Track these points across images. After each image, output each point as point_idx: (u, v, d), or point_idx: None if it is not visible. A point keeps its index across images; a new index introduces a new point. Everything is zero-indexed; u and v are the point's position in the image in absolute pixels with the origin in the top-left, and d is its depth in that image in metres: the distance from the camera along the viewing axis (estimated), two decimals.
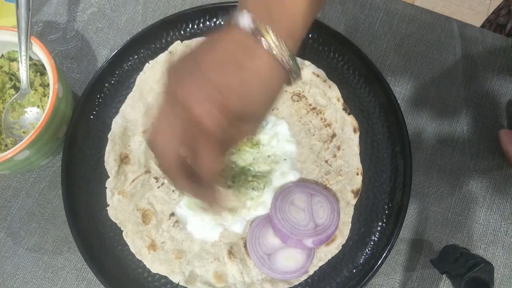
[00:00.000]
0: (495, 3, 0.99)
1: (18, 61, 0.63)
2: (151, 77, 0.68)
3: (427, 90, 0.70)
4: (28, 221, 0.66)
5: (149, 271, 0.61)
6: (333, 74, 0.68)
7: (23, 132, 0.64)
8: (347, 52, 0.67)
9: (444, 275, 0.61)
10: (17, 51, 0.63)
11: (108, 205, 0.63)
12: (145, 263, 0.61)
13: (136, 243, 0.61)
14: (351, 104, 0.67)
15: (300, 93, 0.67)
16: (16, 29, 0.61)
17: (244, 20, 0.40)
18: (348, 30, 0.74)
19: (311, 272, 0.60)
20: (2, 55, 0.67)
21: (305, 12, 0.42)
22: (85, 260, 0.59)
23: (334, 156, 0.65)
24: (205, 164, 0.42)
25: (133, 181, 0.64)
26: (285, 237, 0.59)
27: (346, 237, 0.62)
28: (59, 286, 0.64)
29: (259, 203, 0.63)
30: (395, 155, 0.63)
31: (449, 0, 2.00)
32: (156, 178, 0.65)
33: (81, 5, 0.77)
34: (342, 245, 0.61)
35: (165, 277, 0.61)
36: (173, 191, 0.64)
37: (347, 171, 0.64)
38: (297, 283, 0.60)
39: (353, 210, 0.63)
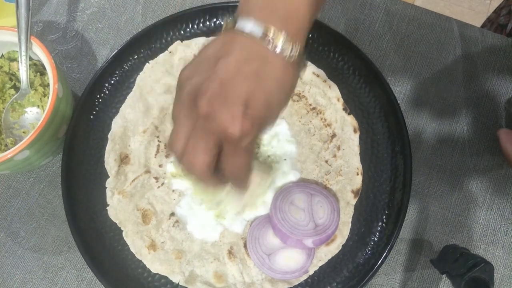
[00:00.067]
0: (495, 3, 0.99)
1: (18, 61, 0.63)
2: (151, 77, 0.68)
3: (427, 90, 0.70)
4: (28, 221, 0.66)
5: (149, 271, 0.61)
6: (333, 74, 0.68)
7: (23, 132, 0.64)
8: (347, 52, 0.67)
9: (444, 275, 0.61)
10: (17, 51, 0.63)
11: (108, 205, 0.63)
12: (145, 263, 0.61)
13: (136, 243, 0.61)
14: (351, 104, 0.67)
15: (300, 93, 0.67)
16: (16, 29, 0.61)
17: (251, 25, 0.40)
18: (348, 30, 0.74)
19: (311, 272, 0.60)
20: (2, 55, 0.67)
21: (311, 5, 0.43)
22: (85, 260, 0.59)
23: (334, 156, 0.65)
24: (239, 172, 0.45)
25: (133, 181, 0.64)
26: (285, 237, 0.59)
27: (346, 237, 0.62)
28: (59, 286, 0.64)
29: (261, 202, 0.63)
30: (395, 155, 0.63)
31: (449, 0, 2.00)
32: (156, 178, 0.65)
33: (81, 5, 0.77)
34: (342, 245, 0.61)
35: (165, 277, 0.61)
36: (173, 191, 0.64)
37: (347, 171, 0.64)
38: (297, 283, 0.60)
39: (353, 210, 0.63)
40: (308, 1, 0.42)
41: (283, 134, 0.66)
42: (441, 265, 0.58)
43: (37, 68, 0.66)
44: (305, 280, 0.60)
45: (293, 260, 0.59)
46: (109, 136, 0.66)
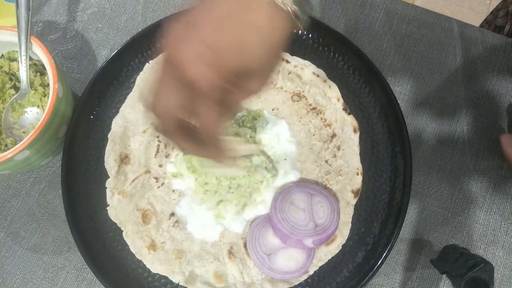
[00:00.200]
0: (495, 3, 0.99)
1: (18, 61, 0.63)
2: (151, 77, 0.68)
3: (427, 90, 0.70)
4: (28, 221, 0.66)
5: (149, 271, 0.61)
6: (333, 74, 0.68)
7: (23, 132, 0.64)
8: (347, 52, 0.67)
9: (444, 275, 0.61)
10: (17, 51, 0.63)
11: (108, 205, 0.63)
12: (145, 263, 0.61)
13: (136, 243, 0.61)
14: (351, 104, 0.67)
15: (300, 93, 0.67)
16: (16, 29, 0.61)
17: None
18: (348, 30, 0.74)
19: (311, 272, 0.60)
20: (2, 55, 0.67)
21: None
22: (85, 260, 0.59)
23: (334, 156, 0.65)
24: (206, 125, 0.42)
25: (133, 181, 0.64)
26: (285, 237, 0.59)
27: (346, 237, 0.62)
28: (59, 286, 0.64)
29: (258, 202, 0.63)
30: (395, 155, 0.63)
31: (449, 0, 2.00)
32: (156, 178, 0.65)
33: (81, 5, 0.77)
34: (342, 245, 0.61)
35: (165, 277, 0.61)
36: (173, 191, 0.64)
37: (347, 171, 0.64)
38: (297, 283, 0.60)
39: (353, 210, 0.63)
40: None
41: (283, 134, 0.66)
42: (441, 265, 0.58)
43: (37, 68, 0.66)
44: (305, 280, 0.60)
45: (293, 260, 0.59)
46: (109, 136, 0.66)
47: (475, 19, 1.85)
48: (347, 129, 0.66)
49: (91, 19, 0.76)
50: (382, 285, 0.62)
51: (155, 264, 0.61)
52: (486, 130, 0.68)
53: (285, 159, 0.65)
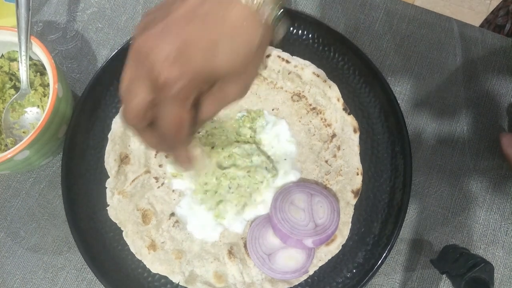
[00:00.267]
0: (495, 3, 0.99)
1: (18, 61, 0.63)
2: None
3: (427, 90, 0.70)
4: (28, 221, 0.66)
5: (149, 271, 0.61)
6: (333, 74, 0.68)
7: (23, 132, 0.64)
8: (347, 52, 0.67)
9: (444, 275, 0.61)
10: (17, 51, 0.63)
11: (108, 205, 0.63)
12: (145, 263, 0.61)
13: (136, 243, 0.61)
14: (351, 104, 0.67)
15: (300, 93, 0.68)
16: (16, 29, 0.61)
17: None
18: (348, 30, 0.74)
19: (311, 272, 0.60)
20: (2, 55, 0.67)
21: None
22: (85, 260, 0.59)
23: (334, 156, 0.65)
24: (166, 126, 0.40)
25: (133, 181, 0.64)
26: (285, 237, 0.59)
27: (346, 237, 0.62)
28: (59, 286, 0.64)
29: (258, 202, 0.63)
30: (395, 155, 0.63)
31: (449, 0, 2.00)
32: (156, 178, 0.65)
33: (81, 5, 0.77)
34: (342, 245, 0.61)
35: (165, 277, 0.61)
36: (173, 191, 0.64)
37: (347, 171, 0.64)
38: (297, 283, 0.60)
39: (353, 210, 0.63)
40: None
41: (283, 134, 0.66)
42: (441, 265, 0.58)
43: (37, 68, 0.66)
44: (305, 280, 0.60)
45: (293, 260, 0.59)
46: (109, 136, 0.66)
47: (475, 19, 1.86)
48: (347, 129, 0.66)
49: (91, 19, 0.76)
50: (382, 285, 0.62)
51: (155, 264, 0.61)
52: (486, 130, 0.68)
53: (285, 159, 0.65)
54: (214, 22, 0.37)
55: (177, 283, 0.60)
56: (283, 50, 0.68)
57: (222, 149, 0.63)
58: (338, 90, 0.67)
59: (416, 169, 0.66)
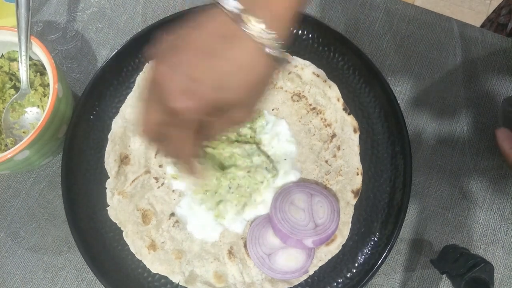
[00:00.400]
0: (495, 3, 0.99)
1: (18, 61, 0.63)
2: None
3: (427, 90, 0.70)
4: (28, 221, 0.66)
5: (149, 271, 0.61)
6: (333, 74, 0.68)
7: (23, 132, 0.64)
8: (347, 52, 0.67)
9: (444, 275, 0.61)
10: (17, 51, 0.63)
11: (108, 205, 0.63)
12: (145, 263, 0.61)
13: (136, 243, 0.61)
14: (351, 104, 0.67)
15: (300, 93, 0.67)
16: (16, 29, 0.61)
17: (229, 4, 0.40)
18: (348, 30, 0.74)
19: (311, 272, 0.60)
20: (2, 55, 0.67)
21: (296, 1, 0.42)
22: (85, 260, 0.59)
23: (334, 156, 0.65)
24: (175, 147, 0.45)
25: (133, 181, 0.64)
26: (285, 237, 0.59)
27: (346, 237, 0.62)
28: (59, 286, 0.64)
29: (258, 202, 0.63)
30: (395, 155, 0.63)
31: (449, 0, 2.00)
32: (156, 178, 0.65)
33: (81, 5, 0.77)
34: (342, 245, 0.61)
35: (165, 277, 0.61)
36: (173, 191, 0.64)
37: (347, 171, 0.64)
38: (297, 283, 0.60)
39: (353, 210, 0.63)
40: None
41: (283, 134, 0.66)
42: (441, 265, 0.58)
43: (37, 68, 0.66)
44: (305, 280, 0.60)
45: (293, 260, 0.59)
46: (109, 136, 0.66)
47: (475, 19, 1.86)
48: (347, 129, 0.66)
49: (91, 19, 0.76)
50: (382, 285, 0.62)
51: (155, 264, 0.61)
52: (486, 130, 0.68)
53: (285, 159, 0.65)
54: (222, 59, 0.40)
55: (177, 283, 0.60)
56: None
57: (223, 149, 0.63)
58: (338, 90, 0.67)
59: (416, 169, 0.66)
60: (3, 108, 0.65)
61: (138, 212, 0.63)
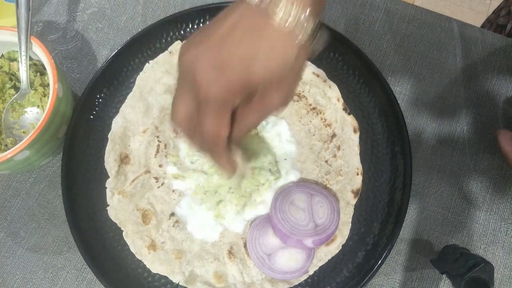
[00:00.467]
0: (495, 3, 0.99)
1: (18, 61, 0.63)
2: (151, 77, 0.68)
3: (427, 90, 0.70)
4: (28, 221, 0.66)
5: (149, 271, 0.61)
6: (333, 74, 0.68)
7: (23, 132, 0.64)
8: (347, 52, 0.67)
9: (444, 275, 0.61)
10: (17, 51, 0.63)
11: (108, 205, 0.63)
12: (145, 263, 0.61)
13: (136, 243, 0.61)
14: (351, 104, 0.67)
15: (300, 93, 0.67)
16: (16, 29, 0.61)
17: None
18: (348, 30, 0.74)
19: (311, 272, 0.60)
20: (2, 55, 0.67)
21: None
22: (85, 260, 0.59)
23: (334, 156, 0.65)
24: (205, 134, 0.43)
25: (133, 181, 0.64)
26: (285, 237, 0.59)
27: (346, 237, 0.62)
28: (59, 286, 0.64)
29: (258, 202, 0.63)
30: (395, 155, 0.63)
31: (449, 0, 2.00)
32: (156, 178, 0.65)
33: (81, 5, 0.77)
34: (342, 245, 0.61)
35: (165, 277, 0.61)
36: (173, 191, 0.64)
37: (347, 171, 0.64)
38: (297, 283, 0.60)
39: (353, 210, 0.63)
40: None
41: (283, 134, 0.66)
42: (441, 265, 0.58)
43: (37, 68, 0.66)
44: (305, 280, 0.60)
45: (293, 260, 0.59)
46: (109, 136, 0.66)
47: (475, 19, 1.86)
48: (347, 129, 0.66)
49: (91, 19, 0.76)
50: (382, 285, 0.62)
51: (155, 264, 0.61)
52: (486, 130, 0.68)
53: (285, 159, 0.65)
54: (250, 40, 0.40)
55: (177, 283, 0.60)
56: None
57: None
58: (338, 90, 0.67)
59: (416, 169, 0.66)
60: (3, 108, 0.65)
61: (138, 212, 0.63)
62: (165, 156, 0.65)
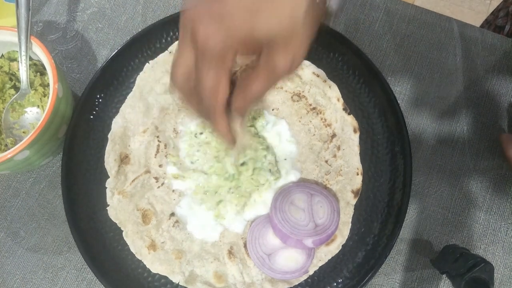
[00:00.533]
0: (495, 3, 0.99)
1: (18, 61, 0.63)
2: (151, 77, 0.68)
3: (427, 90, 0.70)
4: (28, 221, 0.66)
5: (149, 271, 0.61)
6: (333, 74, 0.68)
7: (23, 132, 0.64)
8: (347, 52, 0.67)
9: (444, 275, 0.61)
10: (17, 51, 0.63)
11: (108, 205, 0.63)
12: (145, 263, 0.61)
13: (136, 243, 0.61)
14: (351, 104, 0.67)
15: (300, 93, 0.67)
16: (16, 29, 0.61)
17: None
18: (348, 30, 0.74)
19: (311, 272, 0.60)
20: (2, 55, 0.67)
21: None
22: (85, 260, 0.59)
23: (334, 156, 0.65)
24: (205, 90, 0.39)
25: (133, 181, 0.64)
26: (285, 237, 0.59)
27: (346, 237, 0.62)
28: (59, 286, 0.64)
29: (258, 202, 0.63)
30: (395, 155, 0.63)
31: (449, 0, 2.00)
32: (156, 178, 0.65)
33: (81, 5, 0.77)
34: (342, 245, 0.61)
35: (165, 277, 0.61)
36: (173, 191, 0.64)
37: (347, 171, 0.64)
38: (297, 283, 0.60)
39: (353, 210, 0.63)
40: None
41: (283, 134, 0.66)
42: (441, 265, 0.58)
43: (37, 68, 0.66)
44: (305, 280, 0.60)
45: (293, 260, 0.59)
46: (109, 136, 0.66)
47: (475, 19, 1.86)
48: (347, 129, 0.66)
49: (91, 19, 0.76)
50: (382, 285, 0.62)
51: (155, 264, 0.61)
52: (486, 130, 0.68)
53: (285, 159, 0.65)
54: None
55: (177, 283, 0.60)
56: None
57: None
58: (338, 90, 0.67)
59: (416, 169, 0.66)
60: (3, 108, 0.65)
61: (138, 212, 0.63)
62: (165, 156, 0.65)
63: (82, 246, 0.60)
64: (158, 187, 0.64)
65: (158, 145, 0.66)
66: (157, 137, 0.66)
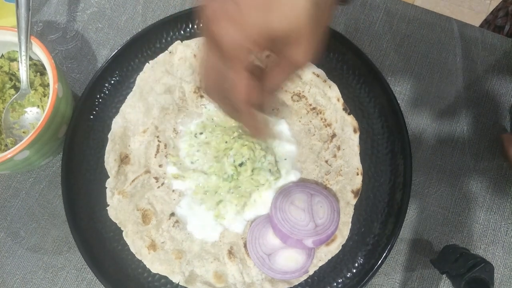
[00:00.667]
0: (495, 3, 0.99)
1: (18, 61, 0.63)
2: (151, 77, 0.68)
3: (427, 90, 0.70)
4: (28, 221, 0.66)
5: (149, 271, 0.61)
6: (333, 74, 0.68)
7: (23, 132, 0.64)
8: (347, 52, 0.67)
9: (444, 275, 0.61)
10: (17, 51, 0.63)
11: (108, 205, 0.63)
12: (145, 263, 0.61)
13: (136, 243, 0.61)
14: (351, 104, 0.67)
15: (300, 93, 0.67)
16: (16, 29, 0.61)
17: None
18: (348, 30, 0.74)
19: (311, 272, 0.60)
20: (2, 55, 0.67)
21: None
22: (85, 260, 0.59)
23: (334, 156, 0.65)
24: (233, 90, 0.41)
25: (133, 181, 0.64)
26: (285, 237, 0.59)
27: (346, 237, 0.62)
28: (59, 286, 0.64)
29: (258, 202, 0.63)
30: (395, 155, 0.63)
31: (449, 0, 2.00)
32: (156, 178, 0.65)
33: (81, 5, 0.77)
34: (342, 245, 0.61)
35: (165, 277, 0.61)
36: (173, 191, 0.64)
37: (347, 171, 0.64)
38: (297, 283, 0.60)
39: (353, 210, 0.63)
40: None
41: (283, 134, 0.66)
42: (441, 265, 0.58)
43: (37, 68, 0.66)
44: (305, 280, 0.60)
45: (293, 260, 0.59)
46: (109, 136, 0.66)
47: (475, 19, 1.86)
48: (347, 129, 0.66)
49: (91, 19, 0.76)
50: (382, 285, 0.62)
51: (155, 264, 0.61)
52: (486, 130, 0.68)
53: (285, 159, 0.65)
54: None
55: (177, 283, 0.60)
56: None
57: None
58: (338, 90, 0.67)
59: (416, 169, 0.66)
60: (3, 108, 0.65)
61: (138, 212, 0.63)
62: (165, 156, 0.65)
63: (82, 246, 0.60)
64: (158, 187, 0.64)
65: (158, 145, 0.66)
66: (157, 137, 0.66)
